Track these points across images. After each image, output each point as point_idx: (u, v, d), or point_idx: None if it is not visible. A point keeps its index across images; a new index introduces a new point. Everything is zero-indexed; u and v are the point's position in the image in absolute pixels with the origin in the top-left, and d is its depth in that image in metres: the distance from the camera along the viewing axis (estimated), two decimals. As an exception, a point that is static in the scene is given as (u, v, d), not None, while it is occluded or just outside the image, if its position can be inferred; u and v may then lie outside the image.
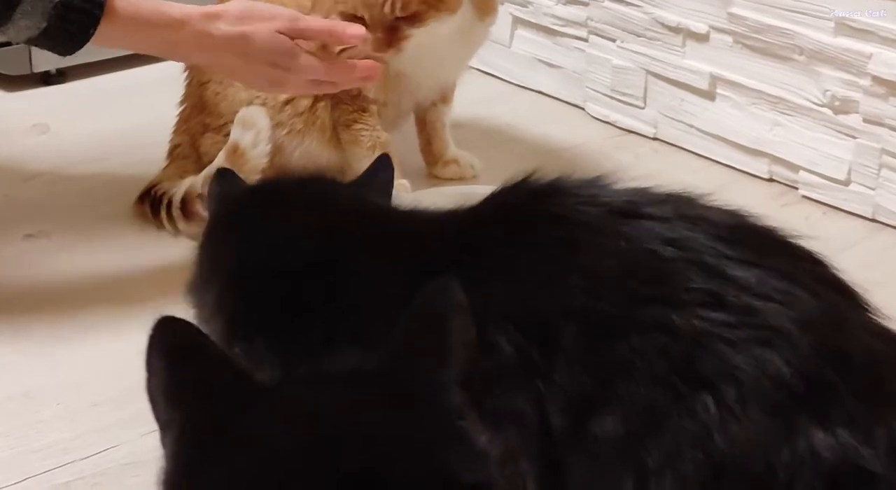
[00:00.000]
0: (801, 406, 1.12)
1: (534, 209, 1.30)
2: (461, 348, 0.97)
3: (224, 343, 1.36)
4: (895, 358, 1.21)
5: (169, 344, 0.95)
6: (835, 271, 1.27)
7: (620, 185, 1.31)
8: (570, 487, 1.18)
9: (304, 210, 1.45)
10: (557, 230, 1.26)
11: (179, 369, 0.94)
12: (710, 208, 1.29)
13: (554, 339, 1.18)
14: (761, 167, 2.59)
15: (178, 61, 2.38)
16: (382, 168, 1.59)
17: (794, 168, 2.53)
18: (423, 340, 0.96)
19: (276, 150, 2.35)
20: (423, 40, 2.26)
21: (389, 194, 1.56)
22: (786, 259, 1.22)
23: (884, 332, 1.25)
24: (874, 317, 1.26)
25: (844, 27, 2.37)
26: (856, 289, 1.28)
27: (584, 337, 1.18)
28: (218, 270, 1.45)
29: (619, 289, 1.19)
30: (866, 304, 1.27)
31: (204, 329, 1.40)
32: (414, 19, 2.26)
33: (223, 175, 1.63)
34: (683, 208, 1.25)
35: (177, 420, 0.93)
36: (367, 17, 2.23)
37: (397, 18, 2.23)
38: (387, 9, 2.22)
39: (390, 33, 2.25)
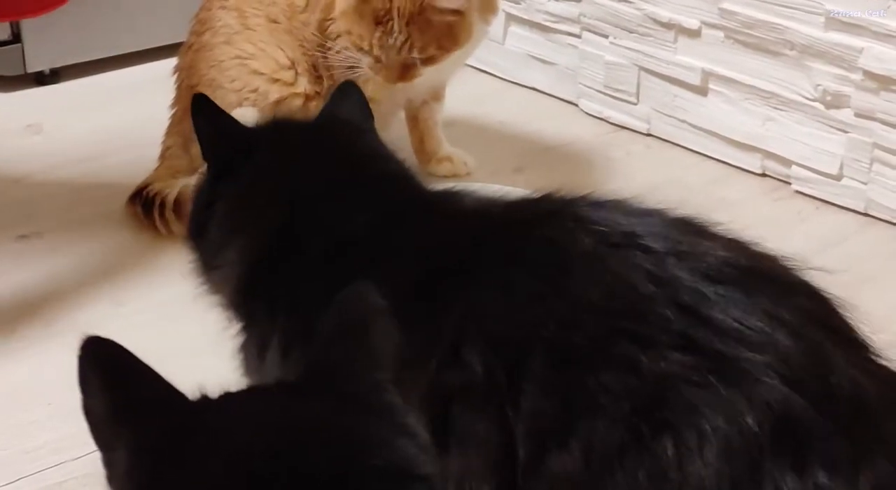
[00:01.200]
0: (770, 450, 1.11)
1: (535, 229, 1.30)
2: (390, 351, 0.98)
3: (232, 294, 1.39)
4: (888, 397, 1.19)
5: (104, 365, 0.94)
6: (833, 308, 1.25)
7: (635, 210, 1.30)
8: None
9: (347, 178, 1.45)
10: (551, 254, 1.25)
11: (119, 390, 0.93)
12: (715, 239, 1.27)
13: (524, 365, 1.18)
14: (754, 162, 2.60)
15: None
16: (347, 95, 1.60)
17: (787, 163, 2.53)
18: (351, 347, 0.96)
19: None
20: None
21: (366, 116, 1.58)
22: (775, 298, 1.20)
23: (879, 370, 1.23)
24: (871, 356, 1.24)
25: (835, 22, 2.37)
26: (856, 329, 1.25)
27: (552, 367, 1.17)
28: (252, 223, 1.44)
29: (595, 321, 1.19)
30: (864, 342, 1.25)
31: (205, 278, 1.46)
32: (429, 61, 2.29)
33: (206, 103, 1.52)
34: (680, 243, 1.24)
35: (124, 440, 0.92)
36: (382, 57, 2.24)
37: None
38: (404, 54, 2.24)
39: (404, 70, 2.27)
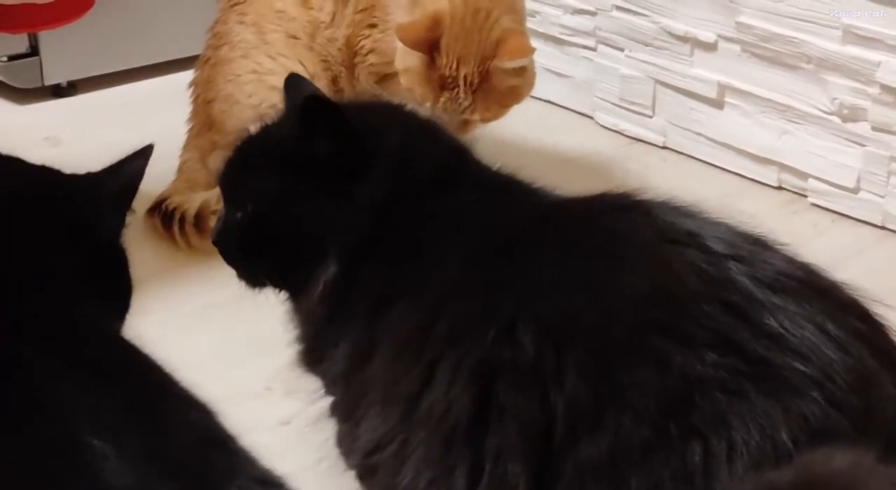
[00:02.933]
0: None
1: (600, 219, 1.32)
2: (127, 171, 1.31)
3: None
4: None
5: None
6: (884, 331, 1.25)
7: (704, 216, 1.31)
8: None
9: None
10: (609, 244, 1.27)
11: None
12: (776, 253, 1.27)
13: (569, 350, 1.19)
14: (770, 175, 2.60)
15: None
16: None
17: (803, 176, 2.53)
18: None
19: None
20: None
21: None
22: (826, 313, 1.19)
23: None
24: None
25: (852, 35, 2.37)
26: None
27: (591, 356, 1.18)
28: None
29: (637, 313, 1.19)
30: None
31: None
32: (490, 119, 2.33)
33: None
34: (741, 249, 1.24)
35: None
36: (444, 117, 2.26)
37: None
38: (467, 115, 2.28)
39: (463, 126, 2.30)
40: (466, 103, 2.25)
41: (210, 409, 1.11)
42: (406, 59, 2.29)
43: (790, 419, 1.12)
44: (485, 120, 2.32)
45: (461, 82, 2.24)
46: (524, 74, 2.33)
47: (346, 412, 1.41)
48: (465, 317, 1.27)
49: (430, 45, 2.24)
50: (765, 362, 1.14)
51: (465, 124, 2.30)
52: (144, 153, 1.34)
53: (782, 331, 1.16)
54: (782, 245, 1.29)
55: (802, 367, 1.14)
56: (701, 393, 1.13)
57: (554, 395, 1.18)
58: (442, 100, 2.24)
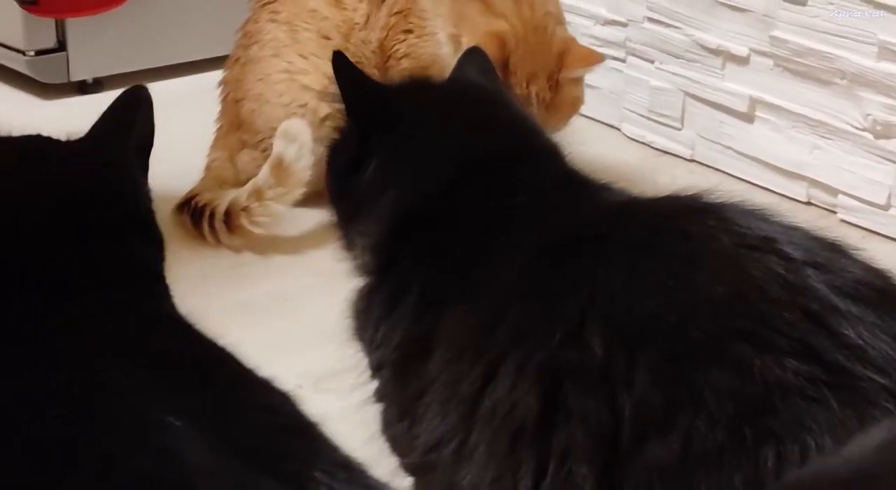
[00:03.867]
0: None
1: (674, 222, 1.29)
2: (141, 126, 1.26)
3: (378, 239, 1.46)
4: None
5: None
6: None
7: (780, 221, 1.29)
8: None
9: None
10: (686, 247, 1.25)
11: None
12: (855, 260, 1.25)
13: (640, 353, 1.18)
14: (799, 190, 2.59)
15: None
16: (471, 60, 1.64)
17: (833, 192, 2.52)
18: (115, 120, 1.25)
19: (318, 166, 2.35)
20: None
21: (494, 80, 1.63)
22: None
23: None
24: None
25: (888, 51, 2.37)
26: None
27: (666, 360, 1.17)
28: (411, 178, 1.49)
29: (714, 318, 1.18)
30: None
31: (345, 231, 1.55)
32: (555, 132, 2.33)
33: (346, 63, 1.58)
34: (819, 256, 1.22)
35: None
36: None
37: None
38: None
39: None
40: (540, 121, 2.26)
41: (289, 395, 1.10)
42: None
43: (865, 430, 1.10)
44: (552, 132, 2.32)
45: (534, 100, 2.26)
46: (583, 81, 2.35)
47: (401, 411, 1.40)
48: (530, 317, 1.26)
49: (501, 66, 2.25)
50: (844, 372, 1.13)
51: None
52: (140, 99, 1.28)
53: (861, 342, 1.14)
54: (858, 250, 1.28)
55: (880, 379, 1.13)
56: (780, 398, 1.12)
57: (622, 397, 1.17)
58: None
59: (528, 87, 2.27)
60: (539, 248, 1.32)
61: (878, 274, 1.24)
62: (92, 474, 0.90)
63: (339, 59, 1.53)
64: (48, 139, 1.24)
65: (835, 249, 1.26)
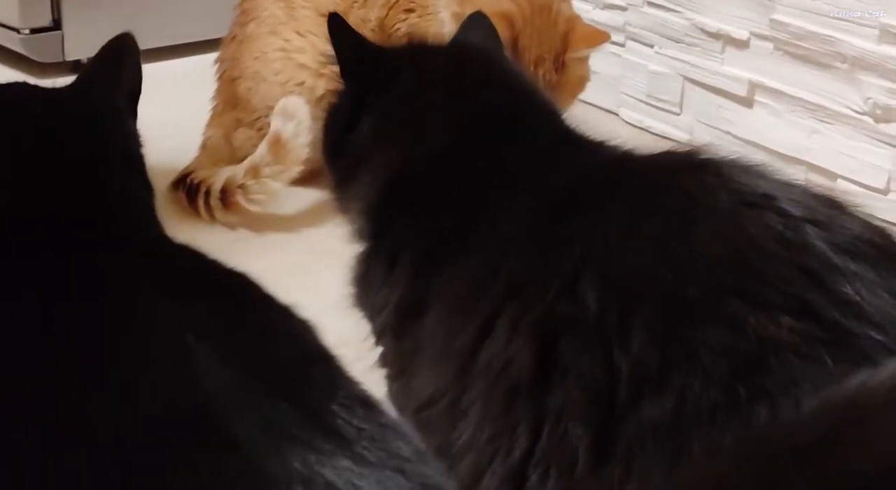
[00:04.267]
0: None
1: (674, 179, 1.28)
2: (130, 73, 1.30)
3: (372, 201, 1.45)
4: None
5: None
6: None
7: (779, 178, 1.27)
8: (617, 463, 1.16)
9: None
10: (683, 204, 1.23)
11: None
12: (854, 217, 1.24)
13: (635, 310, 1.16)
14: (798, 175, 2.55)
15: None
16: (476, 25, 1.63)
17: (832, 176, 2.51)
18: (104, 67, 1.28)
19: (313, 144, 2.34)
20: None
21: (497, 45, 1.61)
22: None
23: None
24: None
25: (889, 35, 2.35)
26: None
27: (661, 317, 1.16)
28: (405, 137, 1.48)
29: (710, 276, 1.16)
30: None
31: (340, 192, 1.54)
32: None
33: (341, 24, 1.56)
34: (819, 213, 1.21)
35: None
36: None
37: None
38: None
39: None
40: None
41: (310, 323, 1.10)
42: None
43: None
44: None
45: (541, 82, 2.26)
46: (587, 61, 2.35)
47: (398, 370, 1.39)
48: (526, 272, 1.25)
49: (511, 46, 2.26)
50: (840, 328, 1.12)
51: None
52: (127, 46, 1.32)
53: (858, 299, 1.13)
54: (857, 207, 1.26)
55: (877, 336, 1.11)
56: (775, 355, 1.11)
57: (618, 354, 1.16)
58: None
59: (535, 69, 2.25)
60: (536, 204, 1.31)
61: (878, 231, 1.23)
62: (116, 397, 0.92)
63: (335, 21, 1.52)
64: (36, 87, 1.27)
65: (834, 206, 1.24)
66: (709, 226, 1.20)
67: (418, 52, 1.57)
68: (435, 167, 1.41)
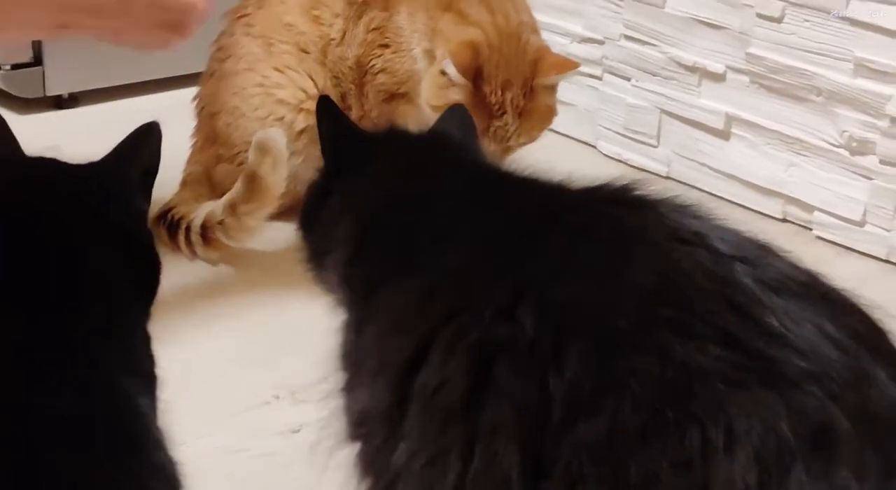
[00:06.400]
0: (802, 459, 1.10)
1: (613, 211, 1.31)
2: (150, 155, 1.40)
3: (341, 270, 1.47)
4: None
5: None
6: (885, 335, 1.23)
7: (713, 219, 1.30)
8: (556, 484, 1.17)
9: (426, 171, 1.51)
10: (619, 237, 1.26)
11: None
12: (782, 258, 1.26)
13: (570, 337, 1.19)
14: (775, 207, 2.60)
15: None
16: (456, 116, 1.65)
17: (809, 208, 2.53)
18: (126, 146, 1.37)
19: (292, 179, 2.35)
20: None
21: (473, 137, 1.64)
22: (828, 314, 1.19)
23: None
24: None
25: (863, 68, 2.38)
26: None
27: (593, 345, 1.18)
28: (360, 208, 1.50)
29: (640, 306, 1.19)
30: None
31: (314, 264, 1.58)
32: (529, 142, 2.40)
33: (331, 107, 1.61)
34: (748, 252, 1.24)
35: None
36: (491, 145, 2.32)
37: None
38: (513, 141, 2.36)
39: (505, 152, 2.36)
40: (514, 128, 2.32)
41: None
42: (444, 95, 2.33)
43: (790, 411, 1.11)
44: (524, 144, 2.36)
45: (508, 107, 2.29)
46: (555, 91, 2.38)
47: (344, 384, 1.41)
48: (464, 293, 1.27)
49: (474, 74, 2.28)
50: (765, 357, 1.14)
51: (507, 150, 2.34)
52: (152, 131, 1.40)
53: (783, 330, 1.16)
54: (786, 252, 1.30)
55: (801, 363, 1.14)
56: (701, 382, 1.13)
57: (553, 378, 1.18)
58: (492, 129, 2.28)
59: (502, 94, 2.28)
60: (477, 232, 1.34)
61: (805, 272, 1.26)
62: None
63: (324, 102, 1.57)
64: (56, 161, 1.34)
65: (763, 248, 1.28)
66: (642, 258, 1.23)
67: (395, 139, 1.62)
68: (390, 218, 1.44)
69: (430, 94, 2.35)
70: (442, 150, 1.57)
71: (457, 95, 2.29)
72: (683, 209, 1.31)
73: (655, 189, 1.34)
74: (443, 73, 2.32)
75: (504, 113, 2.30)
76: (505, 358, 1.20)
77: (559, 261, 1.25)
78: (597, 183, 1.39)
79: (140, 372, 1.19)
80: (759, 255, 1.25)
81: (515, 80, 2.30)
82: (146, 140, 1.39)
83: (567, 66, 2.37)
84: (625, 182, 1.35)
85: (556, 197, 1.39)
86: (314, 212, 1.57)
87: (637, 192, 1.33)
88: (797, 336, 1.15)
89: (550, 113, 2.39)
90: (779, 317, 1.17)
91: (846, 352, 1.16)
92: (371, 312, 1.36)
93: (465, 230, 1.36)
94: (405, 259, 1.37)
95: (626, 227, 1.27)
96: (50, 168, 1.33)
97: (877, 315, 1.27)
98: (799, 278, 1.23)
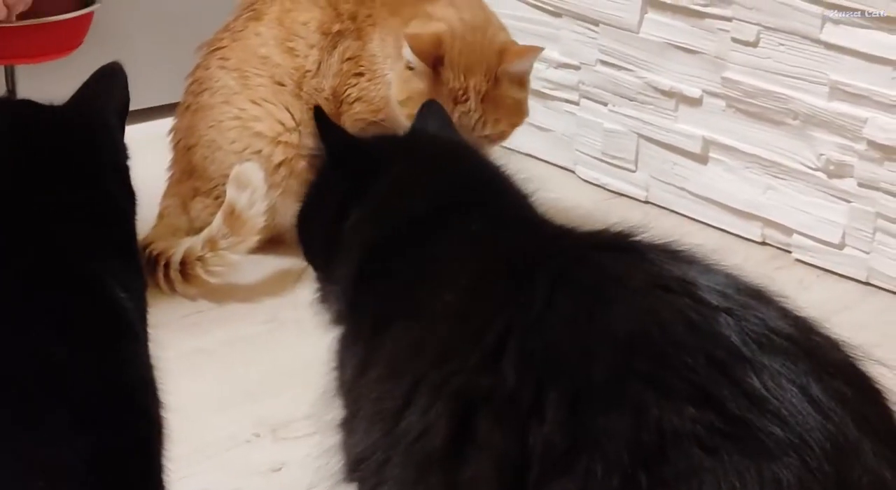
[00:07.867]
0: None
1: (596, 257, 1.28)
2: (119, 93, 1.45)
3: (347, 292, 1.46)
4: None
5: None
6: (874, 397, 1.21)
7: (704, 264, 1.27)
8: None
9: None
10: (600, 284, 1.24)
11: None
12: (772, 307, 1.22)
13: (547, 389, 1.17)
14: (754, 231, 2.60)
15: None
16: (431, 112, 1.64)
17: (788, 231, 2.53)
18: (96, 88, 1.43)
19: (271, 212, 2.34)
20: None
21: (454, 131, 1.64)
22: (814, 375, 1.16)
23: None
24: None
25: (839, 92, 2.38)
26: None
27: (567, 399, 1.16)
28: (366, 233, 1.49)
29: (619, 357, 1.16)
30: None
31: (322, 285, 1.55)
32: (500, 137, 2.41)
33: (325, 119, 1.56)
34: (735, 302, 1.20)
35: None
36: None
37: None
38: (478, 131, 2.35)
39: None
40: (478, 115, 2.32)
41: None
42: (409, 86, 2.34)
43: (763, 481, 1.09)
44: (494, 138, 2.36)
45: (471, 93, 2.31)
46: (525, 88, 2.39)
47: (345, 424, 1.40)
48: (453, 340, 1.26)
49: (434, 60, 2.30)
50: (742, 422, 1.11)
51: (479, 142, 2.30)
52: (116, 72, 1.47)
53: (764, 392, 1.13)
54: (781, 297, 1.25)
55: (780, 432, 1.11)
56: (675, 446, 1.11)
57: (533, 432, 1.17)
58: (455, 115, 2.27)
59: (465, 79, 2.31)
60: (473, 275, 1.32)
61: (793, 321, 1.22)
62: None
63: (319, 115, 1.52)
64: (39, 104, 1.43)
65: (753, 295, 1.23)
66: (620, 306, 1.20)
67: (397, 145, 1.58)
68: (396, 243, 1.42)
69: (396, 89, 2.36)
70: (446, 162, 1.53)
71: (419, 83, 2.32)
72: (675, 255, 1.28)
73: (653, 235, 1.31)
74: (408, 67, 2.34)
75: (467, 99, 2.31)
76: (486, 409, 1.19)
77: (541, 308, 1.23)
78: (597, 228, 1.37)
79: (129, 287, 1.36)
80: (747, 304, 1.20)
81: (479, 67, 2.32)
82: (113, 80, 1.46)
83: (530, 51, 2.39)
84: (623, 228, 1.34)
85: (547, 239, 1.38)
86: (324, 230, 1.53)
87: (631, 238, 1.31)
88: (778, 399, 1.13)
89: (519, 108, 2.39)
90: (760, 377, 1.14)
91: (829, 418, 1.13)
92: (375, 354, 1.35)
93: (459, 269, 1.34)
94: (408, 297, 1.36)
95: (607, 274, 1.25)
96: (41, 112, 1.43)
97: (866, 368, 1.25)
98: (787, 332, 1.19)
